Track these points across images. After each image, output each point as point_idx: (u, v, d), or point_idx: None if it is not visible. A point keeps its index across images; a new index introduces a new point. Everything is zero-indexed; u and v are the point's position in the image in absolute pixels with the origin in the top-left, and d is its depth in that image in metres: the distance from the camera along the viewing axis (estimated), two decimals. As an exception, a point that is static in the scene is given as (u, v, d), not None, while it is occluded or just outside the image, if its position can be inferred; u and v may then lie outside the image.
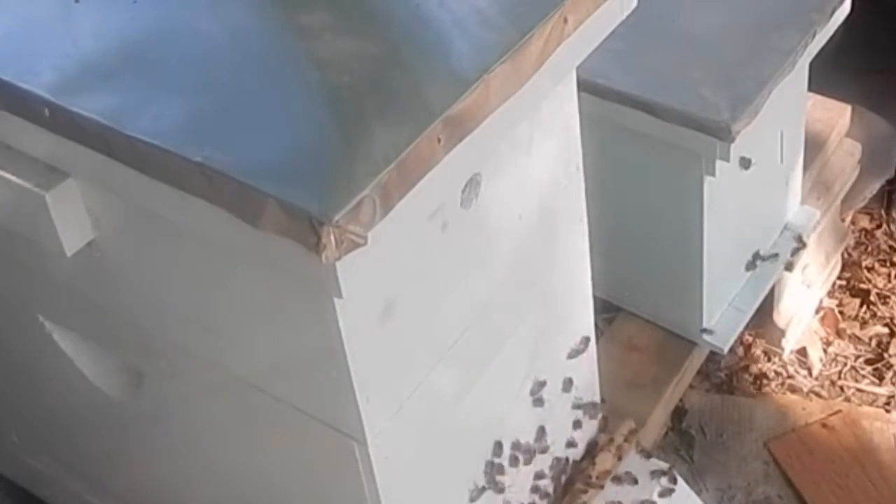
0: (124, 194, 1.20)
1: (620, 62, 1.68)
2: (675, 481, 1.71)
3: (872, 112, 2.35)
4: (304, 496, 1.43)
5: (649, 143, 1.71)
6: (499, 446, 1.51)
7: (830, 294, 2.26)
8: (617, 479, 1.70)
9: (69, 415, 1.64)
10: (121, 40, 1.22)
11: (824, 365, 2.16)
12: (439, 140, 1.11)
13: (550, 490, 1.65)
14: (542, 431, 1.59)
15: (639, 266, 1.90)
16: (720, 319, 1.94)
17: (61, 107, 1.15)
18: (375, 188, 1.05)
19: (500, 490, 1.53)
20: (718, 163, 1.68)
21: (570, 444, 1.67)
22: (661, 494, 1.70)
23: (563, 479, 1.68)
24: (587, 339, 1.62)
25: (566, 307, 1.56)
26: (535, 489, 1.62)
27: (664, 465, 1.72)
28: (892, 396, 2.11)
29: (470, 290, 1.34)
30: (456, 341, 1.34)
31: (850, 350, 2.19)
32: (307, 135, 1.11)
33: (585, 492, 1.68)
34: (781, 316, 2.13)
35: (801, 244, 2.04)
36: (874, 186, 2.35)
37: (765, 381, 2.12)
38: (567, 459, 1.68)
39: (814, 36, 1.75)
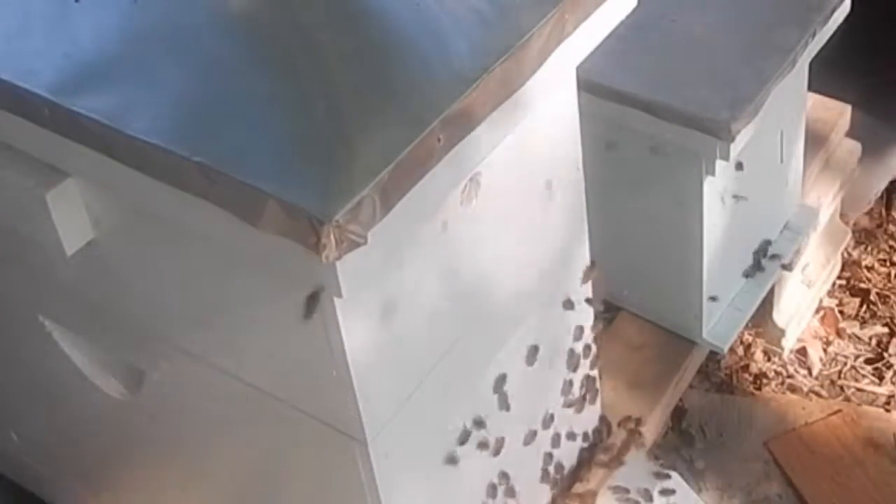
0: (124, 194, 1.20)
1: (620, 62, 1.68)
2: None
3: (873, 113, 2.34)
4: (304, 496, 1.43)
5: (649, 142, 1.71)
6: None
7: (830, 294, 2.26)
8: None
9: (69, 414, 1.64)
10: (120, 40, 1.22)
11: (824, 365, 2.16)
12: (439, 140, 1.11)
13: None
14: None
15: (639, 266, 1.90)
16: (720, 319, 1.94)
17: (61, 107, 1.16)
18: (375, 188, 1.05)
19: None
20: (718, 162, 1.68)
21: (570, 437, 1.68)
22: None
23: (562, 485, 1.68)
24: (589, 339, 1.62)
25: (566, 307, 1.56)
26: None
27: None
28: (892, 396, 2.11)
29: (470, 290, 1.34)
30: (456, 341, 1.34)
31: (850, 350, 2.19)
32: (307, 135, 1.11)
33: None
34: (781, 316, 2.12)
35: (801, 244, 2.03)
36: (878, 189, 2.35)
37: (765, 381, 2.12)
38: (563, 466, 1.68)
39: (814, 36, 1.75)
